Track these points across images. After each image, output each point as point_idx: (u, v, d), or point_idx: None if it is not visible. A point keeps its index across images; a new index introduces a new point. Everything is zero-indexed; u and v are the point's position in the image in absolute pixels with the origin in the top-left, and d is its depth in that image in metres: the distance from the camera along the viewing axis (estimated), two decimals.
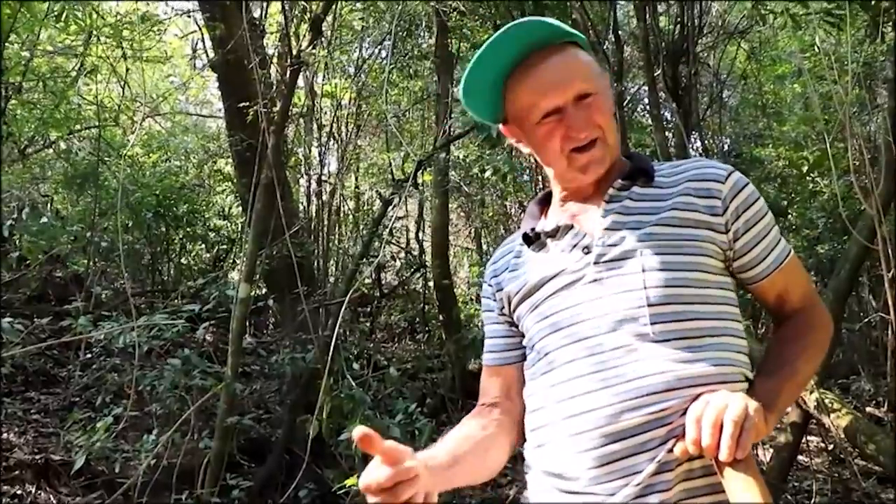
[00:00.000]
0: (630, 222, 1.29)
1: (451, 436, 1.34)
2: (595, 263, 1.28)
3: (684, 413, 1.14)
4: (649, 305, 1.22)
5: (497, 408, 1.43)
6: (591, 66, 1.35)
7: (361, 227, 8.59)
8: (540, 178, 7.56)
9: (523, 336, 1.41)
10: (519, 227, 1.48)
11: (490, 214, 9.78)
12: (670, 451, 1.15)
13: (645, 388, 1.17)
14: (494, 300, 1.47)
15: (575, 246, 1.32)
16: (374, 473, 1.04)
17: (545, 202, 1.48)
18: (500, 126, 1.44)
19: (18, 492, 4.15)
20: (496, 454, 1.37)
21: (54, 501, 4.17)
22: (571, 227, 1.35)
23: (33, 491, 4.19)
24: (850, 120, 3.43)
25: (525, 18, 1.31)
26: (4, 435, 4.69)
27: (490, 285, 1.48)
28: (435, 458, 1.21)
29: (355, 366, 5.38)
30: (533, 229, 1.41)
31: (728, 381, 1.19)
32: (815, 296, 1.41)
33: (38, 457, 4.46)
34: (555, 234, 1.37)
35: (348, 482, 3.53)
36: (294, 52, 5.01)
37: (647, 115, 8.41)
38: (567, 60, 1.32)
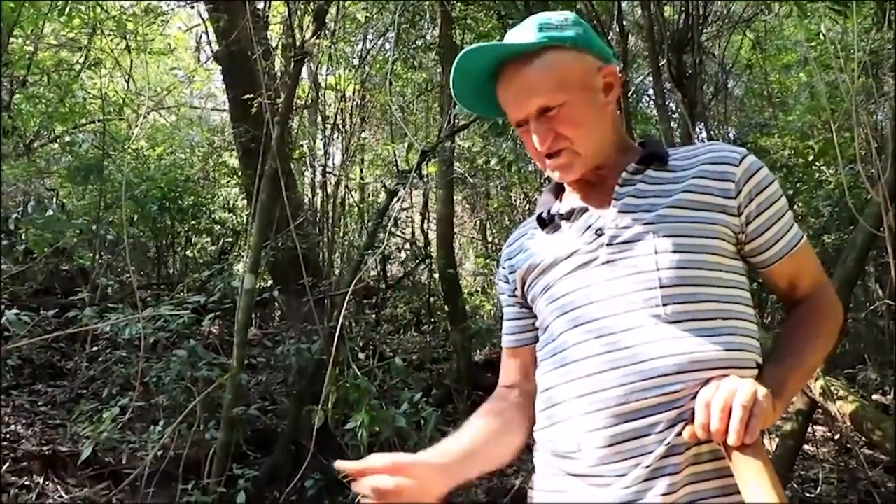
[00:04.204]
0: (643, 205, 1.30)
1: (468, 426, 1.39)
2: (608, 245, 1.28)
3: (694, 396, 1.15)
4: (661, 287, 1.22)
5: (515, 389, 1.47)
6: (563, 73, 1.31)
7: (366, 218, 8.57)
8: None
9: (537, 317, 1.43)
10: (526, 217, 1.50)
11: (495, 205, 9.77)
12: (679, 434, 1.15)
13: (656, 370, 1.17)
14: (508, 282, 1.49)
15: (588, 228, 1.32)
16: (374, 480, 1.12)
17: (561, 188, 1.48)
18: None
19: (26, 482, 4.17)
20: (511, 438, 1.41)
21: (62, 492, 4.19)
22: (586, 209, 1.35)
23: (41, 482, 4.21)
24: (857, 108, 3.40)
25: (479, 45, 1.32)
26: (13, 427, 4.71)
27: (504, 268, 1.50)
28: (446, 453, 1.28)
29: (361, 356, 5.39)
30: (548, 211, 1.42)
31: (740, 367, 1.19)
32: (826, 283, 1.41)
33: (45, 448, 4.48)
34: (569, 216, 1.38)
35: None
36: (298, 43, 5.01)
37: (652, 105, 8.38)
38: (532, 74, 1.31)
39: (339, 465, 1.16)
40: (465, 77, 1.37)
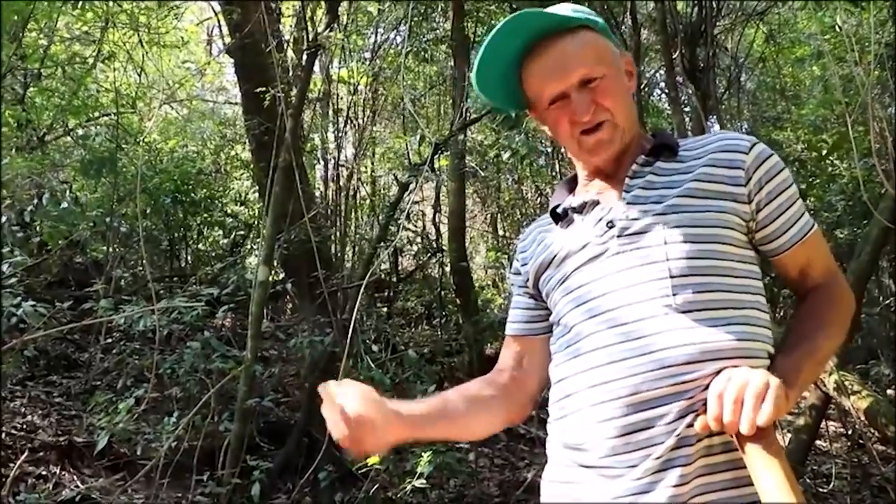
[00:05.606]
0: (653, 196, 1.30)
1: (448, 392, 1.43)
2: (618, 237, 1.29)
3: (705, 388, 1.15)
4: (671, 277, 1.22)
5: (506, 373, 1.49)
6: (600, 49, 1.35)
7: (378, 211, 8.58)
8: (556, 162, 7.54)
9: (546, 310, 1.44)
10: (538, 210, 1.50)
11: (507, 199, 9.76)
12: (690, 425, 1.15)
13: (667, 360, 1.17)
14: (520, 274, 1.49)
15: (600, 220, 1.33)
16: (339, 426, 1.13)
17: (574, 182, 1.49)
18: (528, 111, 1.47)
19: (43, 472, 4.21)
20: (487, 416, 1.43)
21: (77, 482, 4.23)
22: (597, 202, 1.36)
23: (57, 472, 4.25)
24: (872, 102, 3.39)
25: (524, 10, 1.32)
26: (29, 417, 4.76)
27: (518, 260, 1.51)
28: (412, 410, 1.28)
29: (374, 348, 5.41)
30: (560, 205, 1.43)
31: (751, 356, 1.19)
32: (837, 272, 1.41)
33: (61, 439, 4.52)
34: (581, 209, 1.38)
35: (370, 461, 3.56)
36: (310, 36, 5.02)
37: (665, 99, 8.36)
38: (572, 46, 1.33)
39: (321, 388, 1.18)
40: (496, 55, 1.35)
